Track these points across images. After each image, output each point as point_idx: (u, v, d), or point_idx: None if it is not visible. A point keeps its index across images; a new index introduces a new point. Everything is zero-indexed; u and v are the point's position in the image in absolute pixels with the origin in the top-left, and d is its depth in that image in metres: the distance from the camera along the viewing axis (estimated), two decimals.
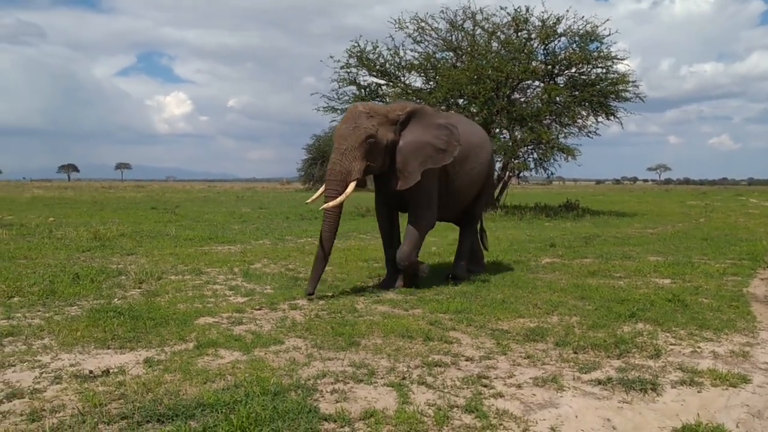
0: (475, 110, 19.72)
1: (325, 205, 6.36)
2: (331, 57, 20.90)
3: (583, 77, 20.53)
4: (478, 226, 8.47)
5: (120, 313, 5.39)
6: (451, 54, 21.53)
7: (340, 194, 6.36)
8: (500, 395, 3.73)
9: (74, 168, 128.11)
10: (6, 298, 6.09)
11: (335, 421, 3.29)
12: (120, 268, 7.92)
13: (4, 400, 3.52)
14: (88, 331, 4.93)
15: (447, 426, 3.27)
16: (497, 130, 20.60)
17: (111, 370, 4.02)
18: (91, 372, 3.99)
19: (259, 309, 5.90)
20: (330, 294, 6.65)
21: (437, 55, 21.32)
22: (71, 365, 4.16)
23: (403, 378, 3.99)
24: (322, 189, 6.57)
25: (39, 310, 5.67)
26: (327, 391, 3.72)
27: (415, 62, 20.95)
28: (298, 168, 49.68)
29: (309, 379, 3.90)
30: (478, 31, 21.09)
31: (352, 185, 6.40)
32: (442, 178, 7.17)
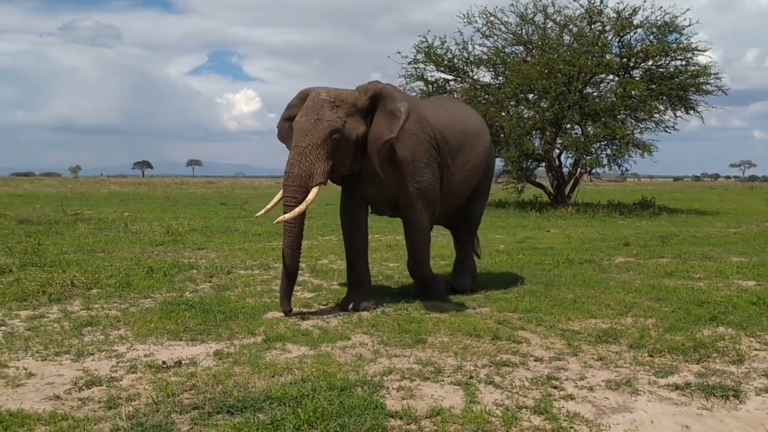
0: (545, 105, 19.32)
1: (281, 218, 5.24)
2: (399, 53, 20.95)
3: (661, 70, 19.77)
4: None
5: (191, 306, 5.54)
6: (521, 48, 21.17)
7: (300, 202, 5.19)
8: (571, 397, 3.62)
9: (148, 164, 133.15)
10: (85, 289, 6.36)
11: (401, 419, 3.26)
12: (191, 263, 8.14)
13: (83, 387, 3.66)
14: (161, 323, 5.08)
15: (515, 427, 3.20)
16: (568, 125, 20.11)
17: (183, 362, 4.13)
18: (164, 363, 4.11)
19: (326, 305, 5.94)
20: (396, 290, 6.63)
21: (507, 50, 21.01)
22: (145, 356, 4.29)
23: (471, 377, 3.93)
24: (278, 196, 5.45)
25: (116, 302, 5.89)
26: (393, 388, 3.70)
27: (484, 57, 20.72)
28: None
29: (375, 376, 3.89)
30: (550, 24, 20.66)
31: (314, 191, 5.23)
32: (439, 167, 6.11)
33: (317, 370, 3.95)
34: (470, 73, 21.03)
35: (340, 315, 5.55)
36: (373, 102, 5.52)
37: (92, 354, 4.31)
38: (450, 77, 21.06)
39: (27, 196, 26.44)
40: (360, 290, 5.81)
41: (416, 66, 20.78)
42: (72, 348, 4.40)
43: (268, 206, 5.56)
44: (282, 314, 5.46)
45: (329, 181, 5.58)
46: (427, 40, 20.64)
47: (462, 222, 6.97)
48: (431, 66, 20.85)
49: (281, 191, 5.34)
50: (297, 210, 5.17)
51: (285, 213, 5.22)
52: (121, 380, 3.79)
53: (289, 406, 3.33)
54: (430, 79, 20.89)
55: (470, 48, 20.77)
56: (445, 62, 20.67)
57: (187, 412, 3.29)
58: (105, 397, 3.49)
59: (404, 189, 5.70)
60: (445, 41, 20.68)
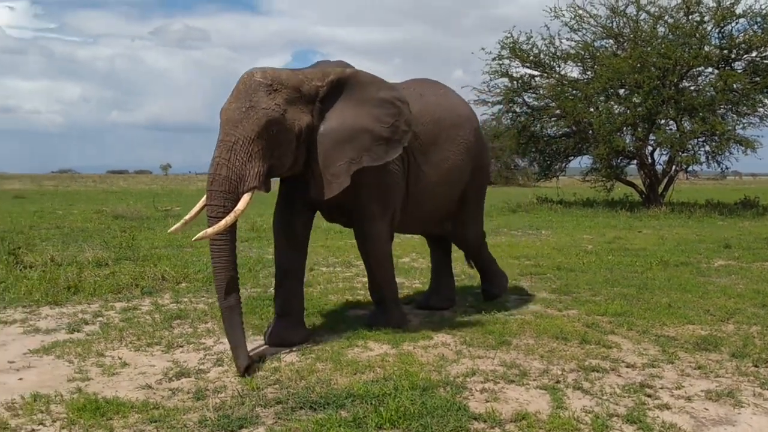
0: (637, 100, 18.55)
1: (202, 234, 3.95)
2: (483, 49, 20.62)
3: (766, 61, 18.58)
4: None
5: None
6: (612, 41, 20.40)
7: (229, 211, 3.99)
8: (666, 407, 3.43)
9: None
10: (175, 283, 6.59)
11: (485, 421, 3.19)
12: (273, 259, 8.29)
13: (173, 378, 3.79)
14: (245, 317, 5.17)
15: None
16: (662, 121, 19.23)
17: (267, 356, 4.20)
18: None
19: (408, 303, 5.91)
20: (479, 291, 6.52)
21: (596, 44, 20.29)
22: (231, 349, 4.38)
23: (557, 381, 3.80)
24: (200, 204, 4.24)
25: (203, 296, 6.06)
26: (476, 390, 3.63)
27: (572, 51, 20.09)
28: None
29: (458, 377, 3.83)
30: (643, 15, 19.79)
31: (246, 198, 4.05)
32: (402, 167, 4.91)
33: (399, 369, 3.92)
34: (557, 69, 20.47)
35: (421, 314, 5.50)
36: (336, 87, 4.45)
37: (181, 346, 4.46)
38: (536, 73, 20.57)
39: (121, 193, 27.88)
40: (288, 319, 4.61)
41: (500, 62, 20.40)
42: (162, 339, 4.56)
43: (187, 217, 4.26)
44: (363, 312, 5.44)
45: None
46: (512, 36, 20.23)
47: (458, 241, 5.83)
48: (516, 62, 20.42)
49: (204, 197, 4.16)
50: (223, 222, 3.93)
51: (209, 226, 3.99)
52: (208, 372, 3.89)
53: (371, 404, 3.32)
54: (514, 75, 20.48)
55: (557, 43, 20.19)
56: (531, 58, 20.19)
57: (271, 407, 3.34)
58: (193, 389, 3.59)
59: (357, 192, 4.53)
60: (531, 36, 20.19)
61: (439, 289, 5.85)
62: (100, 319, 5.16)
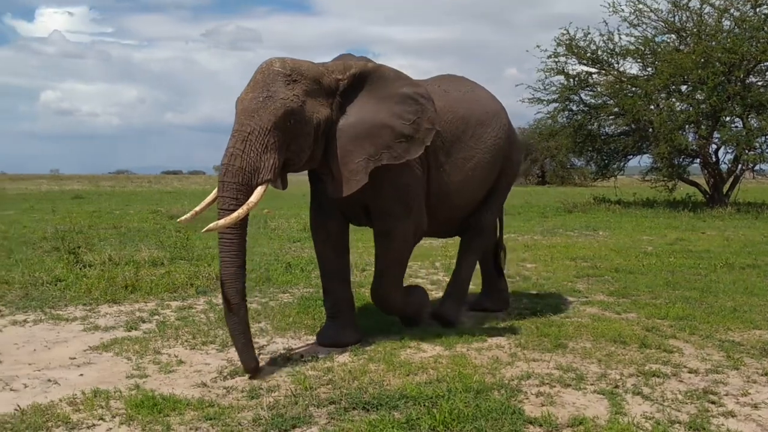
0: (701, 97, 17.92)
1: (213, 225, 3.80)
2: (538, 46, 20.18)
3: None
4: (494, 241, 5.67)
5: None
6: (674, 36, 19.76)
7: (241, 204, 3.84)
8: (731, 414, 3.29)
9: None
10: None
11: (541, 425, 3.13)
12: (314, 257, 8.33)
13: (228, 377, 3.84)
14: (299, 317, 5.24)
15: None
16: (728, 118, 18.53)
17: (320, 356, 4.20)
18: (302, 356, 4.22)
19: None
20: (534, 292, 6.41)
21: (657, 39, 19.69)
22: (284, 349, 4.43)
23: (616, 386, 3.69)
24: (212, 195, 4.09)
25: (256, 296, 6.12)
26: (532, 393, 3.56)
27: (631, 47, 19.54)
28: None
29: (513, 380, 3.76)
30: (707, 9, 19.11)
31: (260, 191, 3.90)
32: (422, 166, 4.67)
33: (452, 371, 3.87)
34: (615, 65, 19.97)
35: (474, 316, 5.44)
36: (358, 82, 4.31)
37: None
38: (593, 70, 20.09)
39: (176, 193, 28.53)
40: (339, 320, 4.59)
41: (557, 59, 20.02)
42: (217, 338, 4.63)
43: (198, 208, 4.05)
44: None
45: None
46: (569, 32, 19.83)
47: (470, 233, 5.32)
48: (573, 59, 20.00)
49: (216, 189, 4.01)
50: (235, 215, 3.79)
51: (220, 218, 3.84)
52: (262, 371, 3.92)
53: (425, 405, 3.29)
54: (571, 72, 20.07)
55: (616, 38, 19.69)
56: (588, 54, 19.73)
57: (324, 407, 3.34)
58: (247, 387, 3.63)
59: (376, 191, 4.38)
60: (589, 32, 19.73)
61: (492, 290, 5.70)
62: (156, 317, 5.28)
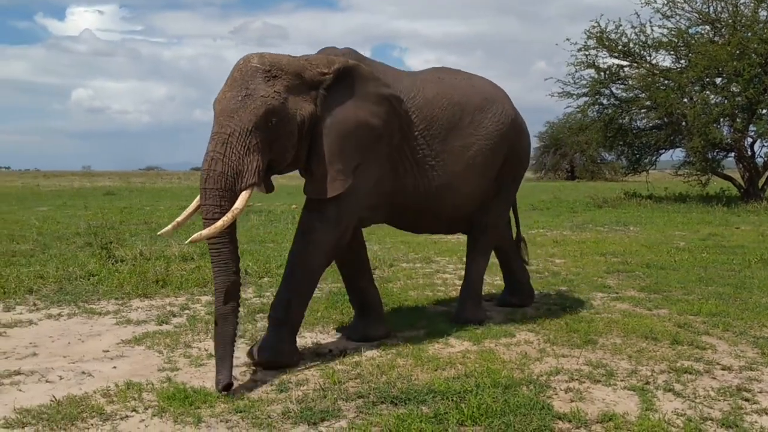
0: (736, 89, 17.54)
1: (197, 235, 3.60)
2: (568, 39, 19.92)
3: None
4: (511, 235, 5.65)
5: None
6: (708, 28, 19.36)
7: (226, 211, 3.61)
8: (766, 412, 3.24)
9: None
10: (257, 278, 6.76)
11: (570, 421, 3.11)
12: None
13: (257, 370, 3.88)
14: (327, 312, 5.26)
15: None
16: (764, 110, 18.11)
17: (348, 350, 4.22)
18: (330, 351, 4.24)
19: (490, 300, 5.82)
20: (564, 288, 6.35)
21: (691, 30, 19.32)
22: (312, 343, 4.47)
23: (647, 382, 3.65)
24: (194, 204, 3.89)
25: None
26: (561, 389, 3.53)
27: (664, 39, 19.21)
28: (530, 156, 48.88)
29: (541, 375, 3.74)
30: None
31: (245, 195, 3.66)
32: (401, 163, 4.38)
33: (481, 366, 3.87)
34: (648, 58, 19.63)
35: (502, 311, 5.41)
36: (342, 77, 4.06)
37: None
38: (624, 63, 19.78)
39: None
40: (367, 316, 4.58)
41: (587, 53, 19.75)
42: (246, 332, 4.68)
43: (179, 219, 3.85)
44: (443, 308, 5.40)
45: None
46: (599, 25, 19.55)
47: (476, 229, 5.10)
48: (603, 52, 19.71)
49: (198, 197, 3.79)
50: (219, 223, 3.55)
51: (205, 227, 3.62)
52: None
53: (452, 400, 3.29)
54: (602, 66, 19.79)
55: (648, 30, 19.36)
56: (620, 47, 19.44)
57: (352, 400, 3.36)
58: (276, 381, 3.66)
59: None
60: (620, 25, 19.42)
61: (515, 285, 5.58)
62: (187, 311, 5.35)
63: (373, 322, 4.55)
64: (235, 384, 3.56)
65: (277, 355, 3.91)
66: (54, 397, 3.37)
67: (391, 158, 4.32)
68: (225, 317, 3.62)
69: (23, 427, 3.04)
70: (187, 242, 3.70)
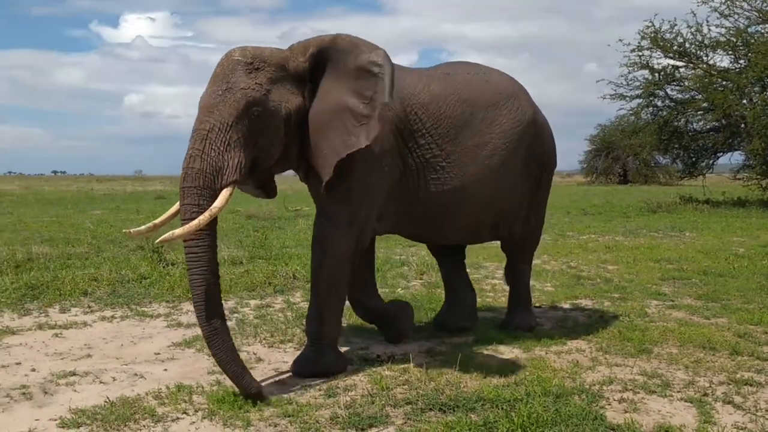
0: None
1: (170, 234, 3.30)
2: (620, 40, 19.52)
3: None
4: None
5: None
6: None
7: (204, 209, 3.36)
8: None
9: None
10: (305, 282, 6.76)
11: None
12: (402, 259, 8.33)
13: None
14: None
15: None
16: None
17: (396, 356, 4.20)
18: (378, 356, 4.23)
19: (539, 306, 5.71)
20: (617, 295, 6.19)
21: (750, 29, 18.69)
22: (360, 348, 4.45)
23: (705, 394, 3.52)
24: (175, 207, 3.64)
25: None
26: (614, 399, 3.44)
27: (722, 39, 18.64)
28: (580, 160, 48.06)
29: (594, 385, 3.64)
30: None
31: (225, 194, 3.43)
32: (407, 164, 4.06)
33: (531, 374, 3.79)
34: (704, 58, 19.08)
35: (553, 318, 5.30)
36: (318, 62, 3.75)
37: None
38: (680, 64, 19.27)
39: None
40: (380, 325, 4.52)
41: (640, 53, 19.31)
42: (294, 337, 4.70)
43: (157, 220, 3.61)
44: (492, 314, 5.32)
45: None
46: (653, 25, 19.11)
47: (510, 241, 4.86)
48: (658, 52, 19.25)
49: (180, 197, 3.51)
50: (195, 222, 3.29)
51: (182, 226, 3.36)
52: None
53: (502, 408, 3.23)
54: (656, 66, 19.32)
55: (705, 30, 18.82)
56: (675, 47, 18.95)
57: (400, 407, 3.33)
58: (324, 386, 3.66)
59: (324, 189, 3.78)
60: (675, 24, 18.95)
61: (457, 304, 4.96)
62: (235, 315, 5.41)
63: (394, 327, 4.54)
64: (283, 388, 3.58)
65: (319, 368, 3.85)
66: (107, 398, 3.44)
67: (396, 154, 4.01)
68: (216, 331, 3.38)
69: (78, 427, 3.11)
70: (157, 242, 3.47)
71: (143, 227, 3.55)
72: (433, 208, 4.21)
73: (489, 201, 4.43)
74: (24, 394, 3.56)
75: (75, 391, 3.63)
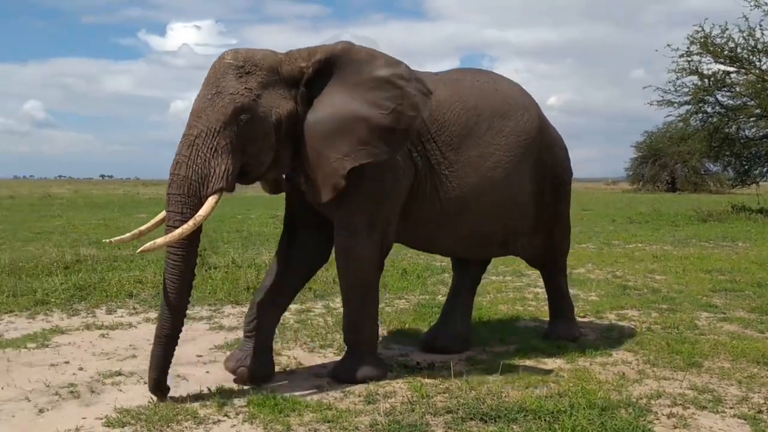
0: None
1: (151, 244, 3.33)
2: (668, 45, 19.08)
3: None
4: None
5: None
6: None
7: (188, 218, 3.37)
8: None
9: None
10: None
11: None
12: (443, 266, 8.24)
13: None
14: (414, 324, 5.21)
15: None
16: None
17: (436, 364, 4.15)
18: (418, 363, 4.18)
19: (584, 317, 5.59)
20: (665, 306, 6.02)
21: None
22: (400, 355, 4.42)
23: (759, 411, 3.39)
24: (162, 214, 3.58)
25: None
26: (663, 414, 3.33)
27: None
28: (626, 167, 47.19)
29: (641, 398, 3.53)
30: None
31: (211, 201, 3.41)
32: (414, 167, 3.92)
33: (575, 385, 3.70)
34: (757, 63, 18.51)
35: (598, 328, 5.18)
36: (324, 69, 3.64)
37: None
38: (731, 69, 18.73)
39: None
40: (263, 355, 3.90)
41: (689, 59, 18.85)
42: (334, 342, 4.69)
43: (143, 227, 3.58)
44: (534, 324, 5.23)
45: None
46: (703, 29, 18.63)
47: (533, 256, 4.71)
48: (708, 57, 18.75)
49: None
50: (178, 231, 3.32)
51: (166, 234, 3.39)
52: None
53: (545, 420, 3.16)
54: (706, 72, 18.84)
55: (758, 34, 18.26)
56: (726, 52, 18.43)
57: (440, 415, 3.29)
58: (364, 392, 3.64)
59: (339, 198, 3.65)
60: (726, 29, 18.43)
61: (451, 325, 4.63)
62: None
63: (258, 355, 3.91)
64: (323, 394, 3.57)
65: (358, 375, 3.82)
66: (151, 398, 3.48)
67: (407, 156, 3.86)
68: (168, 339, 3.48)
69: (123, 427, 3.16)
70: (138, 251, 3.42)
71: (127, 235, 3.55)
72: (433, 216, 4.08)
73: (492, 214, 4.24)
74: (72, 392, 3.64)
75: (120, 390, 3.70)
